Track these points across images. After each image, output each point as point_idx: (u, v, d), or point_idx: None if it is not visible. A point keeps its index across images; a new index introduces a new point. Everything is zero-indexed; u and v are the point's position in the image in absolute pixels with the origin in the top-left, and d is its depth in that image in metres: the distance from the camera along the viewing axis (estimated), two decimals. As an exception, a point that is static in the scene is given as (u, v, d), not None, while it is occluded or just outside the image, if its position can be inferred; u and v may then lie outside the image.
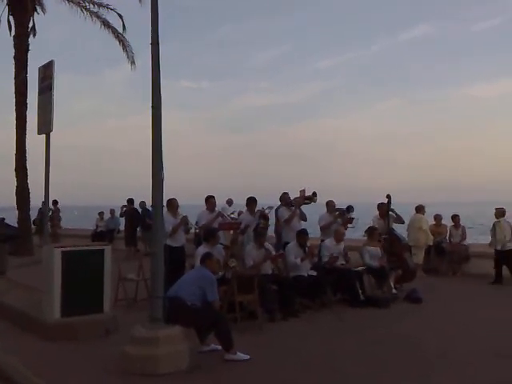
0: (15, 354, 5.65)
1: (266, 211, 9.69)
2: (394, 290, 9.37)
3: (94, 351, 6.03)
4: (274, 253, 8.39)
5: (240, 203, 11.05)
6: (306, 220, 9.85)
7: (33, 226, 17.40)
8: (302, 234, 8.74)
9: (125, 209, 16.56)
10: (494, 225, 11.35)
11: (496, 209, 11.56)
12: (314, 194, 9.99)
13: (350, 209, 10.58)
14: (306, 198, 9.88)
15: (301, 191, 9.88)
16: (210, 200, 9.53)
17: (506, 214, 11.41)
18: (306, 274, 8.45)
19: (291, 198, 9.91)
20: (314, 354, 5.89)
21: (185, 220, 9.06)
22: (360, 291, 8.68)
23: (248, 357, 5.62)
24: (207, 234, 8.02)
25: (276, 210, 9.95)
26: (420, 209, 12.33)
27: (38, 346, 6.28)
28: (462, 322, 7.50)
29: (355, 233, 11.97)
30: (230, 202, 14.64)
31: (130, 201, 16.31)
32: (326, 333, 6.93)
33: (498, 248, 11.04)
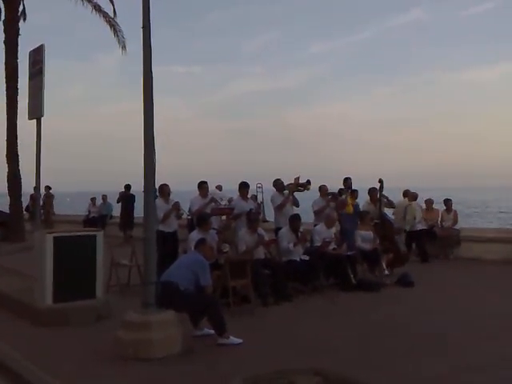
0: (7, 340, 5.65)
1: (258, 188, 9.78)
2: (386, 272, 9.42)
3: (86, 336, 6.04)
4: (266, 238, 8.41)
5: (232, 188, 11.04)
6: (298, 206, 9.86)
7: (25, 213, 17.33)
8: (295, 219, 8.75)
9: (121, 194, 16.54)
10: (405, 208, 12.13)
11: (409, 193, 12.58)
12: (308, 181, 10.01)
13: (342, 192, 10.61)
14: (299, 185, 9.89)
15: (295, 178, 9.89)
16: (202, 186, 9.52)
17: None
18: (298, 259, 8.48)
19: (284, 184, 9.90)
20: (307, 338, 5.93)
21: (177, 206, 9.05)
22: (352, 276, 8.71)
23: (241, 341, 5.65)
24: (199, 220, 8.04)
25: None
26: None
27: (31, 332, 6.28)
28: (453, 305, 7.55)
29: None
30: (219, 188, 14.58)
31: (127, 187, 16.27)
32: (319, 317, 6.97)
33: (407, 229, 11.98)
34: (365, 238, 9.51)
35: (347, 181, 10.90)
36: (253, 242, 8.15)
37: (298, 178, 9.88)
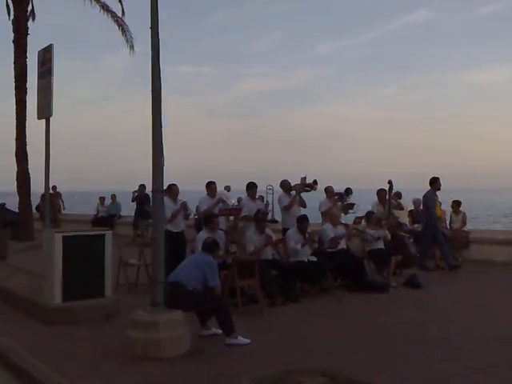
0: (16, 339, 5.68)
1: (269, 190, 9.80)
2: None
3: (95, 335, 6.07)
4: (274, 238, 8.39)
5: (239, 189, 11.03)
6: (305, 206, 9.83)
7: (34, 211, 17.36)
8: (303, 220, 8.72)
9: (136, 194, 16.60)
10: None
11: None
12: (315, 181, 9.97)
13: (348, 191, 10.57)
14: (306, 186, 9.86)
15: (302, 178, 9.86)
16: (210, 186, 9.49)
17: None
18: (306, 260, 8.46)
19: (291, 185, 9.88)
20: (315, 339, 5.92)
21: (184, 205, 9.04)
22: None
23: (249, 341, 5.65)
24: (206, 219, 8.06)
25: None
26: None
27: (40, 331, 6.32)
28: (462, 307, 7.52)
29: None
30: (227, 189, 14.61)
31: (143, 186, 16.32)
32: (326, 317, 6.96)
33: None
34: (375, 236, 9.47)
35: (436, 181, 11.00)
36: (260, 242, 8.15)
37: (305, 178, 9.85)
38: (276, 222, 9.84)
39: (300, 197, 9.75)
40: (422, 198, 11.37)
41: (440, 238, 10.86)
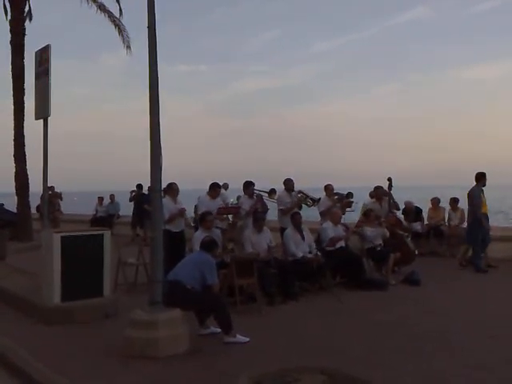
0: (15, 339, 5.69)
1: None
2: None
3: (93, 335, 6.08)
4: (272, 240, 8.38)
5: (236, 187, 11.04)
6: (300, 209, 9.82)
7: (34, 212, 17.35)
8: (296, 215, 8.83)
9: (134, 193, 16.62)
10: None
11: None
12: (319, 200, 10.08)
13: (349, 195, 10.64)
14: (310, 198, 9.96)
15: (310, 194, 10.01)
16: (215, 189, 9.29)
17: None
18: (305, 258, 8.46)
19: (294, 185, 9.89)
20: (314, 337, 5.94)
21: (182, 212, 8.94)
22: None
23: (247, 339, 5.67)
24: (200, 218, 8.11)
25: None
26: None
27: (39, 331, 6.32)
28: (460, 304, 7.54)
29: (354, 217, 11.99)
30: (225, 187, 14.61)
31: (139, 186, 16.35)
32: (325, 315, 6.97)
33: None
34: (373, 234, 9.49)
35: (483, 176, 10.30)
36: (259, 240, 8.16)
37: (310, 195, 9.99)
38: (275, 191, 9.94)
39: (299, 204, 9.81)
40: (466, 194, 10.53)
41: (485, 237, 10.31)
